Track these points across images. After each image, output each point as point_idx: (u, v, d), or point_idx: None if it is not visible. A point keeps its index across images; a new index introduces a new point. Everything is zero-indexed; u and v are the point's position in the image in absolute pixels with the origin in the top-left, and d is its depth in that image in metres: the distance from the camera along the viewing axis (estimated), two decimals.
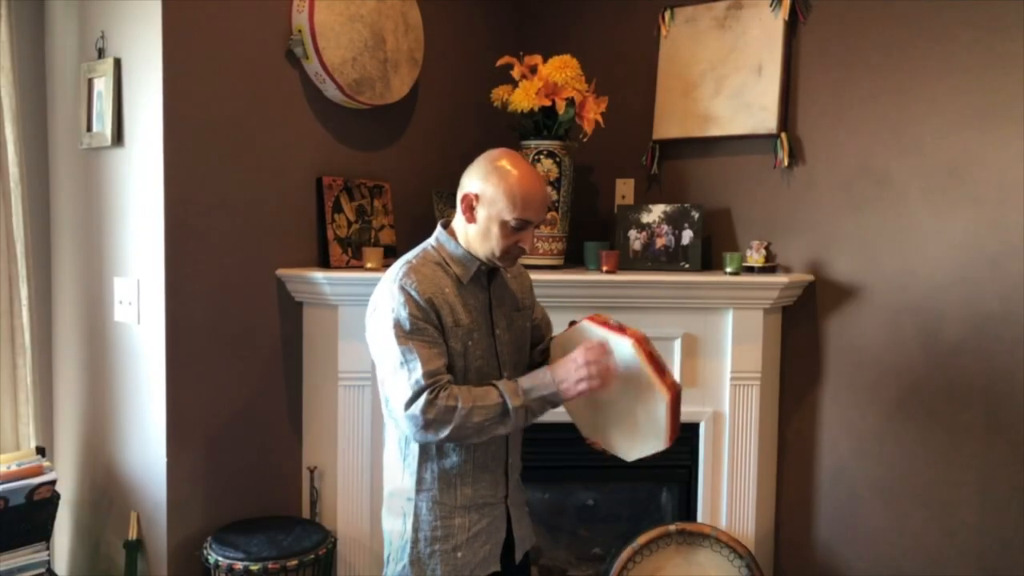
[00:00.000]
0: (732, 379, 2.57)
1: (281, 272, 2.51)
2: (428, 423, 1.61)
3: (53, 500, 2.32)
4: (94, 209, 2.47)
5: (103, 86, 2.37)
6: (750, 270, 2.68)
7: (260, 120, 2.45)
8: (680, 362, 2.54)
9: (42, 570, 2.30)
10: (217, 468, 2.42)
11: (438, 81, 2.96)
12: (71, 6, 2.49)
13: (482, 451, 1.75)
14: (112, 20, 2.37)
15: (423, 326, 1.64)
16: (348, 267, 2.60)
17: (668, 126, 2.91)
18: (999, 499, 2.45)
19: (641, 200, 3.01)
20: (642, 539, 2.52)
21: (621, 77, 2.99)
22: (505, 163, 1.70)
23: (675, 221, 2.78)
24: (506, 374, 1.77)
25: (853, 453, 2.68)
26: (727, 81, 2.79)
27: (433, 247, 1.77)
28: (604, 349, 1.67)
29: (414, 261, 1.72)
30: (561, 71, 2.62)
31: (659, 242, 2.79)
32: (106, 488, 2.52)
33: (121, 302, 2.40)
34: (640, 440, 1.74)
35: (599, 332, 1.72)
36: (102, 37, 2.39)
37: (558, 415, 1.80)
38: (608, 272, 2.60)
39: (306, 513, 2.59)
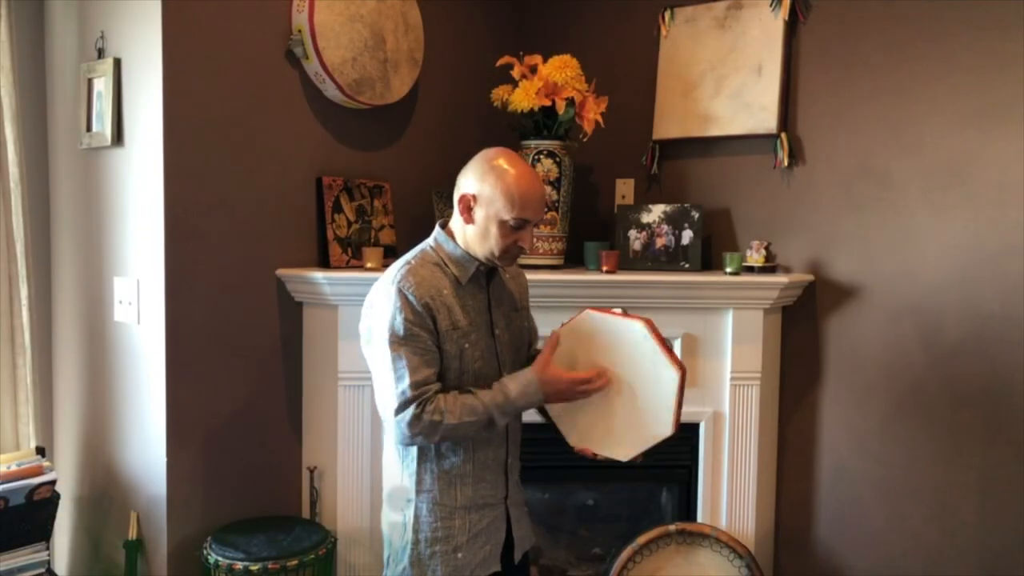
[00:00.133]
0: (732, 379, 2.57)
1: (281, 272, 2.51)
2: (414, 435, 1.64)
3: (53, 500, 2.32)
4: (94, 209, 2.47)
5: (103, 86, 2.37)
6: (750, 270, 2.68)
7: (260, 120, 2.45)
8: None
9: (42, 570, 2.30)
10: (217, 468, 2.42)
11: (438, 81, 2.95)
12: (71, 6, 2.49)
13: (482, 451, 1.75)
14: (112, 20, 2.37)
15: (417, 332, 1.64)
16: (348, 267, 2.60)
17: (668, 126, 2.91)
18: (999, 499, 2.45)
19: (641, 200, 3.01)
20: (642, 539, 2.52)
21: (621, 77, 2.98)
22: (502, 162, 1.69)
23: (675, 221, 2.78)
24: (505, 374, 1.76)
25: (853, 453, 2.68)
26: (727, 81, 2.78)
27: (431, 248, 1.76)
28: (605, 380, 1.73)
29: (413, 262, 1.72)
30: (561, 71, 2.62)
31: (659, 242, 2.79)
32: (106, 488, 2.52)
33: (121, 302, 2.40)
34: (644, 430, 1.74)
35: (606, 320, 1.75)
36: (102, 37, 2.39)
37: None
38: (608, 272, 2.60)
39: (306, 513, 2.59)
